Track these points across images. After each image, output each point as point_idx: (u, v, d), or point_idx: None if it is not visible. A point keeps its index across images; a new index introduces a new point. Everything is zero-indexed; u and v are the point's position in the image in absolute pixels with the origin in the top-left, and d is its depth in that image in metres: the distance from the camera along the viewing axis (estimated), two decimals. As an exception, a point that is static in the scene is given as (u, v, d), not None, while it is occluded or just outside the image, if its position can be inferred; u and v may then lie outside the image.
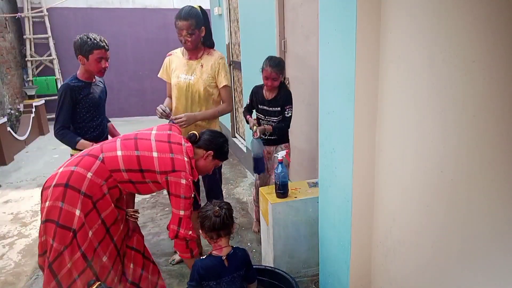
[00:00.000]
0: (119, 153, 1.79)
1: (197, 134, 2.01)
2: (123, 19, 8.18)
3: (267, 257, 2.44)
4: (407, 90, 1.33)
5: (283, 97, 2.61)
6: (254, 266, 2.16)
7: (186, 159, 1.83)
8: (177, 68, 2.49)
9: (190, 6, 2.40)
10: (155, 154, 1.79)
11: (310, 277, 2.38)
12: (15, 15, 7.29)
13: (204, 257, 1.76)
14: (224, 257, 1.71)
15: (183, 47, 2.49)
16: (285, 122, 2.63)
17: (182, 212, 1.80)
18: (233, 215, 1.83)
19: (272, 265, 2.28)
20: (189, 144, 1.93)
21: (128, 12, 8.18)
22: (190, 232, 1.82)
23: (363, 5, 1.39)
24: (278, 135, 2.70)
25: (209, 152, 1.96)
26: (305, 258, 2.35)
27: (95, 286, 1.81)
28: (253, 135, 2.57)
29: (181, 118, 2.32)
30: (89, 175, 1.73)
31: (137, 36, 8.30)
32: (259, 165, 2.70)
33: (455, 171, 1.15)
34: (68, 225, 1.68)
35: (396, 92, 1.39)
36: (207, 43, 2.50)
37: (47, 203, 1.73)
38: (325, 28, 1.65)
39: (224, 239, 1.74)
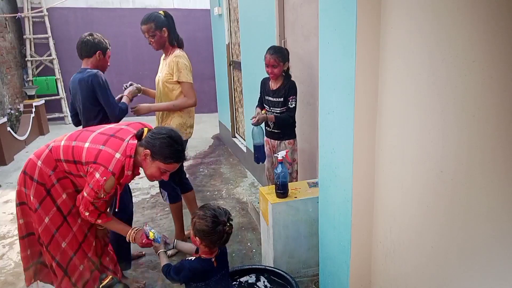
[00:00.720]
0: (62, 142, 1.82)
1: (146, 130, 1.81)
2: (123, 19, 8.18)
3: (267, 257, 2.44)
4: (407, 90, 1.33)
5: (287, 88, 2.61)
6: (254, 266, 2.17)
7: (118, 155, 1.70)
8: (160, 66, 2.83)
9: (152, 12, 2.71)
10: (86, 145, 1.74)
11: (310, 277, 2.38)
12: (15, 15, 7.29)
13: (192, 259, 1.72)
14: (213, 259, 1.71)
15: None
16: (288, 113, 2.63)
17: (85, 194, 1.75)
18: (233, 215, 1.83)
19: (272, 265, 2.28)
20: (134, 141, 1.77)
21: (128, 12, 8.18)
22: (87, 214, 1.79)
23: (363, 5, 1.39)
24: (281, 127, 2.70)
25: (146, 151, 1.74)
26: (305, 258, 2.35)
27: (107, 280, 1.84)
28: (251, 121, 2.64)
29: (134, 107, 2.68)
30: (39, 163, 1.80)
31: (137, 36, 8.26)
32: (259, 154, 2.73)
33: (455, 171, 1.15)
34: (31, 207, 1.83)
35: (396, 92, 1.39)
36: (172, 43, 2.80)
37: (17, 187, 1.88)
38: (325, 28, 1.65)
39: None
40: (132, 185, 4.36)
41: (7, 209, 3.80)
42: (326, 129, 1.74)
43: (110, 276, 1.82)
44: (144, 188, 4.26)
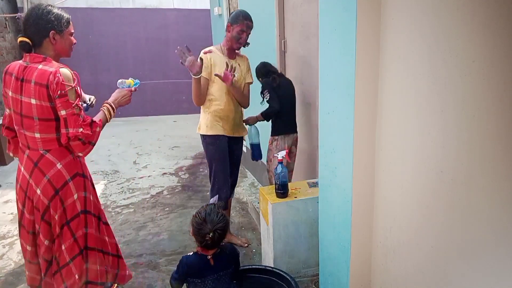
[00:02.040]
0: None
1: (27, 41, 1.68)
2: (123, 19, 8.18)
3: (267, 257, 2.44)
4: (407, 90, 1.33)
5: (262, 86, 2.79)
6: (254, 266, 2.17)
7: (40, 66, 1.65)
8: (217, 65, 2.53)
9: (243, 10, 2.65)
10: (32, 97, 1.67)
11: (310, 277, 2.38)
12: (15, 15, 7.29)
13: (190, 254, 1.76)
14: (209, 257, 1.71)
15: (221, 46, 2.61)
16: (268, 108, 2.72)
17: (63, 112, 1.65)
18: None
19: (272, 265, 2.28)
20: (29, 55, 1.69)
21: (128, 12, 8.19)
22: (81, 129, 1.69)
23: (363, 5, 1.39)
24: (269, 121, 2.83)
25: (48, 36, 1.68)
26: (305, 258, 2.35)
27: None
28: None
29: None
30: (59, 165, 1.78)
31: (137, 36, 8.31)
32: (255, 152, 2.83)
33: (455, 171, 1.15)
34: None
35: (396, 92, 1.39)
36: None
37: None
38: (325, 28, 1.65)
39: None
40: (132, 185, 4.37)
41: (7, 209, 3.80)
42: (326, 129, 1.74)
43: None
44: (144, 188, 4.26)
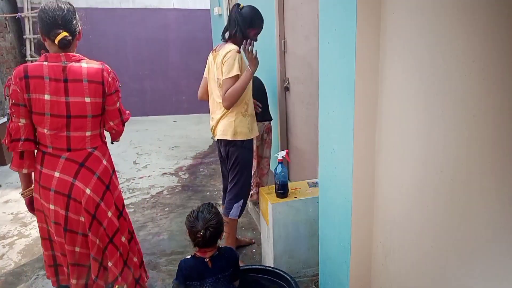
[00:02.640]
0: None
1: (66, 37, 1.63)
2: (123, 19, 8.18)
3: (267, 257, 2.44)
4: (407, 90, 1.33)
5: None
6: (254, 266, 2.17)
7: (84, 64, 1.68)
8: (245, 61, 2.41)
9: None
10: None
11: (310, 277, 2.38)
12: (15, 15, 7.29)
13: (188, 257, 1.76)
14: (207, 259, 1.71)
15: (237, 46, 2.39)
16: None
17: (118, 105, 1.79)
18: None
19: (272, 265, 2.28)
20: (64, 54, 1.66)
21: (128, 12, 8.18)
22: (128, 112, 1.90)
23: (363, 5, 1.39)
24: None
25: (77, 34, 1.72)
26: (305, 258, 2.35)
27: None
28: None
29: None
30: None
31: (137, 36, 8.31)
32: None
33: (455, 171, 1.15)
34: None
35: (396, 92, 1.39)
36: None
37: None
38: (325, 28, 1.65)
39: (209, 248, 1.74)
40: (132, 185, 4.37)
41: (7, 209, 3.80)
42: (326, 129, 1.74)
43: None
44: (144, 188, 4.26)
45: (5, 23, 7.09)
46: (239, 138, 2.40)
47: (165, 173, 4.73)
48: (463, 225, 1.15)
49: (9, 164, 1.77)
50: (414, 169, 1.34)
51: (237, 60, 2.28)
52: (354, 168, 1.55)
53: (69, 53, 1.67)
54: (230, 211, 2.48)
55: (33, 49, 7.74)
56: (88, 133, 1.72)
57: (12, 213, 3.69)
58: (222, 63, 2.30)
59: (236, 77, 2.29)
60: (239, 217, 2.54)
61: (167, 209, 3.68)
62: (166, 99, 8.50)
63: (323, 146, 1.79)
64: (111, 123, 1.79)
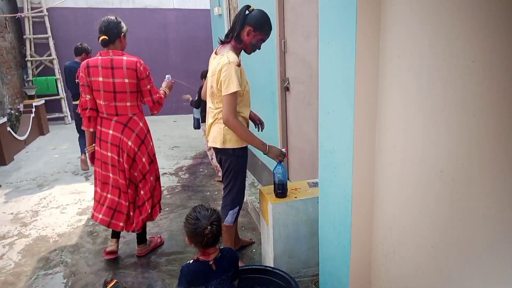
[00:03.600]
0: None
1: (105, 37, 2.44)
2: (123, 19, 8.14)
3: (267, 257, 2.44)
4: (407, 90, 1.33)
5: None
6: (254, 266, 2.17)
7: (124, 58, 2.46)
8: (244, 73, 2.32)
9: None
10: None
11: (310, 277, 2.38)
12: (15, 15, 7.29)
13: (190, 262, 1.73)
14: (211, 262, 1.69)
15: (233, 49, 2.29)
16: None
17: (149, 86, 2.56)
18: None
19: (272, 265, 2.28)
20: (112, 51, 2.47)
21: (128, 12, 8.19)
22: (158, 95, 2.64)
23: (363, 5, 1.39)
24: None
25: (119, 37, 2.50)
26: (305, 258, 2.35)
27: (112, 284, 1.87)
28: None
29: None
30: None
31: (137, 36, 8.30)
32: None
33: (455, 171, 1.15)
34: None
35: (396, 92, 1.39)
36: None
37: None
38: (325, 28, 1.65)
39: (213, 247, 1.71)
40: (132, 185, 4.36)
41: (7, 209, 3.80)
42: (326, 129, 1.74)
43: (115, 281, 1.87)
44: (144, 188, 4.26)
45: (5, 23, 7.09)
46: (228, 146, 2.30)
47: (165, 173, 4.72)
48: (463, 225, 1.15)
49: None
50: (414, 169, 1.34)
51: (237, 74, 2.14)
52: (354, 168, 1.55)
53: (115, 50, 2.48)
54: (225, 218, 2.41)
55: (33, 49, 7.75)
56: (128, 104, 2.52)
57: (12, 213, 3.69)
58: (218, 72, 2.17)
59: (235, 94, 2.16)
60: (234, 223, 2.49)
61: (167, 209, 3.68)
62: (166, 99, 8.49)
63: (323, 146, 1.79)
64: (145, 99, 2.59)
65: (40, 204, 3.91)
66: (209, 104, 2.41)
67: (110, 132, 2.51)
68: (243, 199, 2.53)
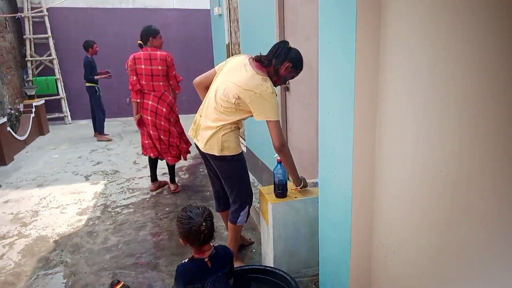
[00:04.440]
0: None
1: (140, 42, 3.84)
2: (123, 19, 8.18)
3: (267, 257, 2.44)
4: (407, 90, 1.33)
5: None
6: (254, 266, 2.17)
7: (158, 52, 3.79)
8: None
9: None
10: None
11: (310, 277, 2.38)
12: (15, 15, 7.29)
13: (186, 261, 1.74)
14: (206, 259, 1.70)
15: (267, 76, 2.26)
16: None
17: (174, 72, 3.86)
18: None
19: (272, 265, 2.28)
20: (149, 48, 3.78)
21: (128, 12, 8.18)
22: (181, 78, 3.96)
23: (363, 5, 1.39)
24: None
25: (149, 40, 3.79)
26: (305, 258, 2.35)
27: (119, 286, 1.90)
28: None
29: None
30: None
31: (137, 36, 8.28)
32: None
33: (455, 171, 1.15)
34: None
35: (396, 92, 1.39)
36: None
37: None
38: (325, 28, 1.65)
39: (207, 244, 1.72)
40: (132, 185, 4.37)
41: (7, 209, 3.80)
42: (326, 129, 1.74)
43: (122, 283, 1.90)
44: (144, 188, 4.26)
45: (5, 23, 7.09)
46: (226, 153, 2.30)
47: (165, 173, 4.72)
48: (463, 225, 1.15)
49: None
50: (414, 169, 1.34)
51: (275, 102, 2.19)
52: (354, 168, 1.55)
53: (153, 47, 3.72)
54: (238, 219, 2.48)
55: (33, 49, 7.74)
56: (161, 83, 3.75)
57: (12, 213, 3.69)
58: (257, 95, 2.16)
59: (279, 122, 2.21)
60: (246, 221, 2.59)
61: (167, 209, 3.68)
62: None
63: (323, 146, 1.79)
64: (171, 82, 3.85)
65: (40, 204, 3.91)
66: (212, 107, 2.31)
67: (149, 102, 3.74)
68: (252, 197, 2.58)
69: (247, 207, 2.51)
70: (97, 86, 6.39)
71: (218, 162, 2.38)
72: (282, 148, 2.22)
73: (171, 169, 4.13)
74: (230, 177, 2.42)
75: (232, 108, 2.23)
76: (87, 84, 6.30)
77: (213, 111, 2.30)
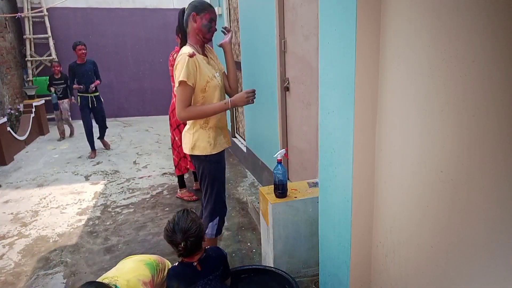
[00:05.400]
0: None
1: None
2: (123, 19, 8.18)
3: (267, 257, 2.44)
4: (407, 90, 1.33)
5: None
6: (254, 266, 2.17)
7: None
8: (205, 67, 2.17)
9: None
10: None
11: (310, 277, 2.38)
12: (15, 15, 7.29)
13: (176, 264, 1.73)
14: (195, 263, 1.68)
15: (195, 45, 2.21)
16: None
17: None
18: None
19: (272, 265, 2.28)
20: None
21: (128, 12, 8.18)
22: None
23: (363, 5, 1.39)
24: None
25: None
26: (305, 258, 2.35)
27: None
28: None
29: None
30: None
31: (137, 36, 8.31)
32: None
33: (455, 171, 1.15)
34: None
35: (396, 92, 1.39)
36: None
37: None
38: (325, 28, 1.65)
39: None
40: (132, 185, 4.37)
41: (7, 209, 3.80)
42: (326, 129, 1.74)
43: None
44: (144, 188, 4.26)
45: (5, 23, 7.09)
46: (196, 153, 2.24)
47: (165, 173, 4.72)
48: (463, 225, 1.15)
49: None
50: (414, 169, 1.34)
51: (188, 65, 2.06)
52: (354, 168, 1.55)
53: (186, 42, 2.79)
54: (206, 230, 2.20)
55: (33, 49, 7.74)
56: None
57: (12, 213, 3.69)
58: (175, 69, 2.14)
59: (185, 85, 2.07)
60: (216, 236, 2.35)
61: (167, 209, 3.68)
62: (166, 99, 8.50)
63: (323, 146, 1.79)
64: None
65: (40, 204, 3.91)
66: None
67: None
68: (224, 209, 2.40)
69: (217, 219, 2.32)
70: (85, 95, 5.40)
71: (193, 160, 2.34)
72: (181, 119, 2.16)
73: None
74: (201, 178, 2.32)
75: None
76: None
77: None
